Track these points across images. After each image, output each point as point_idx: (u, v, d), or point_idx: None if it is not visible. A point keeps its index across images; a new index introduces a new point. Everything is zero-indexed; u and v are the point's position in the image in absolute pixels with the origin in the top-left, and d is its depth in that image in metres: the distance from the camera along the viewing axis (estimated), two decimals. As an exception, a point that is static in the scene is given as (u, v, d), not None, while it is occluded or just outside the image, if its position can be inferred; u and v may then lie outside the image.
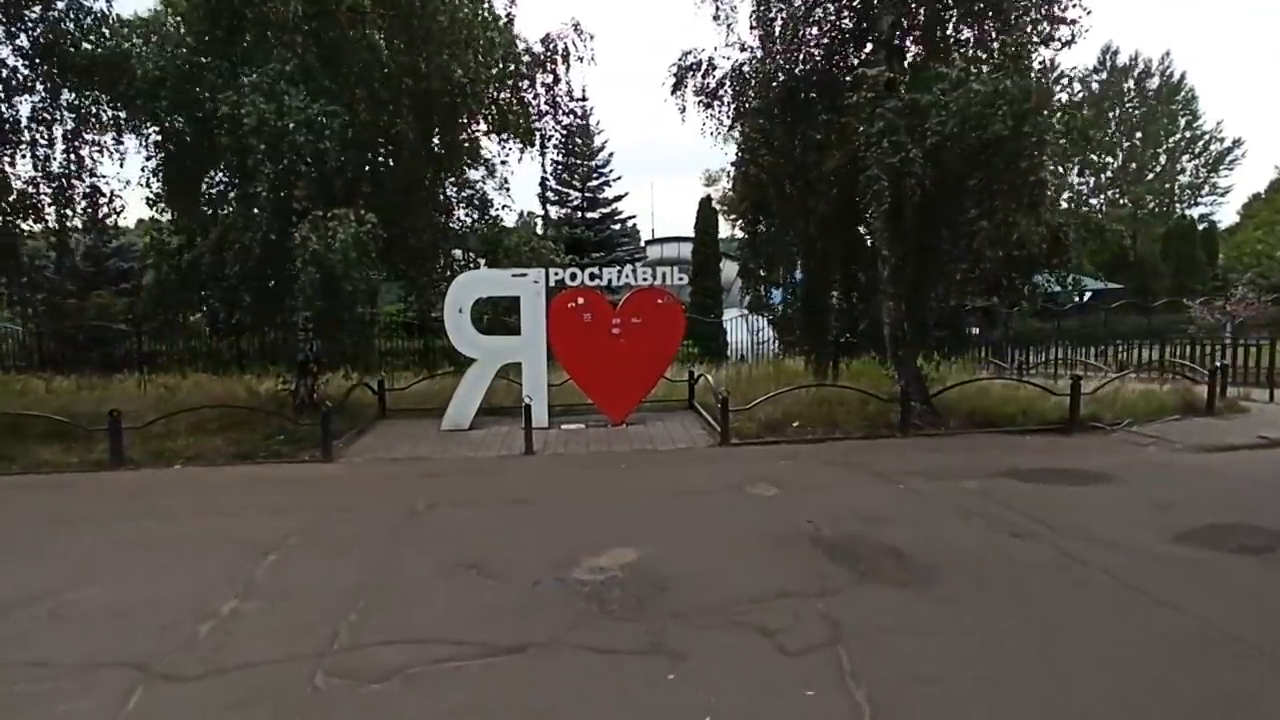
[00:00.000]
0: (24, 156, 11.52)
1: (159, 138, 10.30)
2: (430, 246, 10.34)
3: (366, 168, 10.10)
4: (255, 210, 8.84)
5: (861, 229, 11.02)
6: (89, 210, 11.80)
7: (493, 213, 11.52)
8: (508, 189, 12.86)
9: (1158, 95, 40.68)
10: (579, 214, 26.28)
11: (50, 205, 11.75)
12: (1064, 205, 10.61)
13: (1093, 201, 39.96)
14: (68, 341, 19.04)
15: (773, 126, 9.56)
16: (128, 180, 11.15)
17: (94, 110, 11.10)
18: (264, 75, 8.76)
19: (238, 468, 8.22)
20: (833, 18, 9.96)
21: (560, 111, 13.13)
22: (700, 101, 10.70)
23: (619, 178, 27.10)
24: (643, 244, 32.03)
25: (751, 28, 9.94)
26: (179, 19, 10.27)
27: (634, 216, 30.07)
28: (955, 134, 7.66)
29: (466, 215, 11.21)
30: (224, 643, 3.92)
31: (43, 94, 11.06)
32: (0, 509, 6.84)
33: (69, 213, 11.83)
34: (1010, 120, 7.40)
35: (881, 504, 6.24)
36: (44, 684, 3.49)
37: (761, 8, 9.68)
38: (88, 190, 11.62)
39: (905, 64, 9.73)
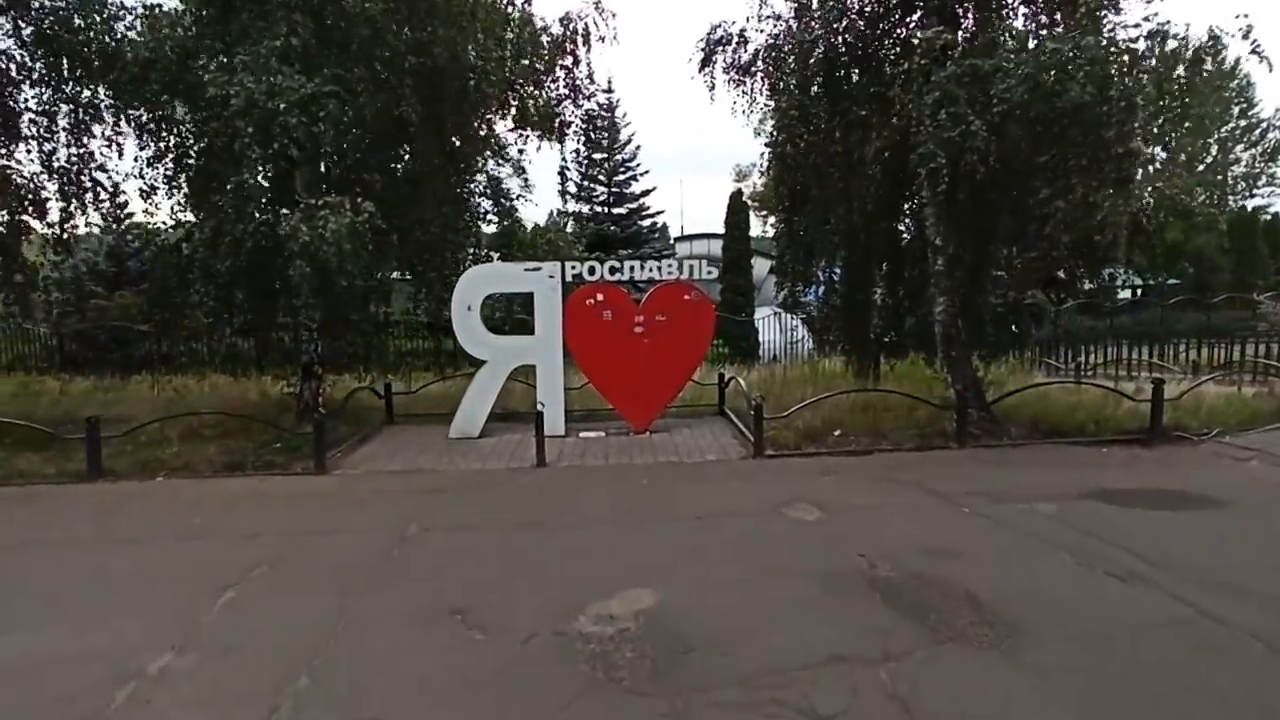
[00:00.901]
0: (28, 151, 11.12)
1: (152, 125, 9.70)
2: (439, 240, 9.58)
3: (369, 155, 9.36)
4: (248, 200, 8.13)
5: (907, 217, 10.04)
6: (97, 206, 11.35)
7: (506, 203, 10.73)
8: (525, 179, 12.13)
9: (1208, 82, 38.54)
10: (605, 209, 25.48)
11: (56, 200, 11.34)
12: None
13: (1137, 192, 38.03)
14: (89, 342, 18.85)
15: (812, 103, 8.60)
16: (129, 174, 10.55)
17: (95, 100, 10.62)
18: (255, 54, 8.08)
19: (224, 480, 7.54)
20: (877, -19, 8.99)
21: (581, 96, 12.36)
22: (730, 79, 9.80)
23: (646, 172, 26.27)
24: (671, 241, 31.13)
25: (786, -3, 9.02)
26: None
27: (662, 212, 29.08)
28: (1025, 102, 6.65)
29: (479, 206, 10.42)
30: (136, 718, 3.16)
31: (44, 84, 10.60)
32: (-43, 527, 6.23)
33: (74, 208, 11.39)
34: (1092, 84, 6.37)
35: (946, 533, 5.29)
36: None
37: (798, -28, 8.76)
38: (89, 184, 11.18)
39: (959, 33, 8.72)
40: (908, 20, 9.17)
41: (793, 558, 4.85)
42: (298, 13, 8.36)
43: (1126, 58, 6.52)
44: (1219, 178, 40.49)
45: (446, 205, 9.59)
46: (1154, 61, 7.05)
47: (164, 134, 10.32)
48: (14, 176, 11.08)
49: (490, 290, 9.26)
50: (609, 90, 24.45)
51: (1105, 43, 6.68)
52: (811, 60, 8.91)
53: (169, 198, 10.40)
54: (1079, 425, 8.59)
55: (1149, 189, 7.41)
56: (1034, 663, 3.44)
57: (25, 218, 11.52)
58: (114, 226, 12.84)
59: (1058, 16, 8.37)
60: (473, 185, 10.14)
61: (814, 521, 5.64)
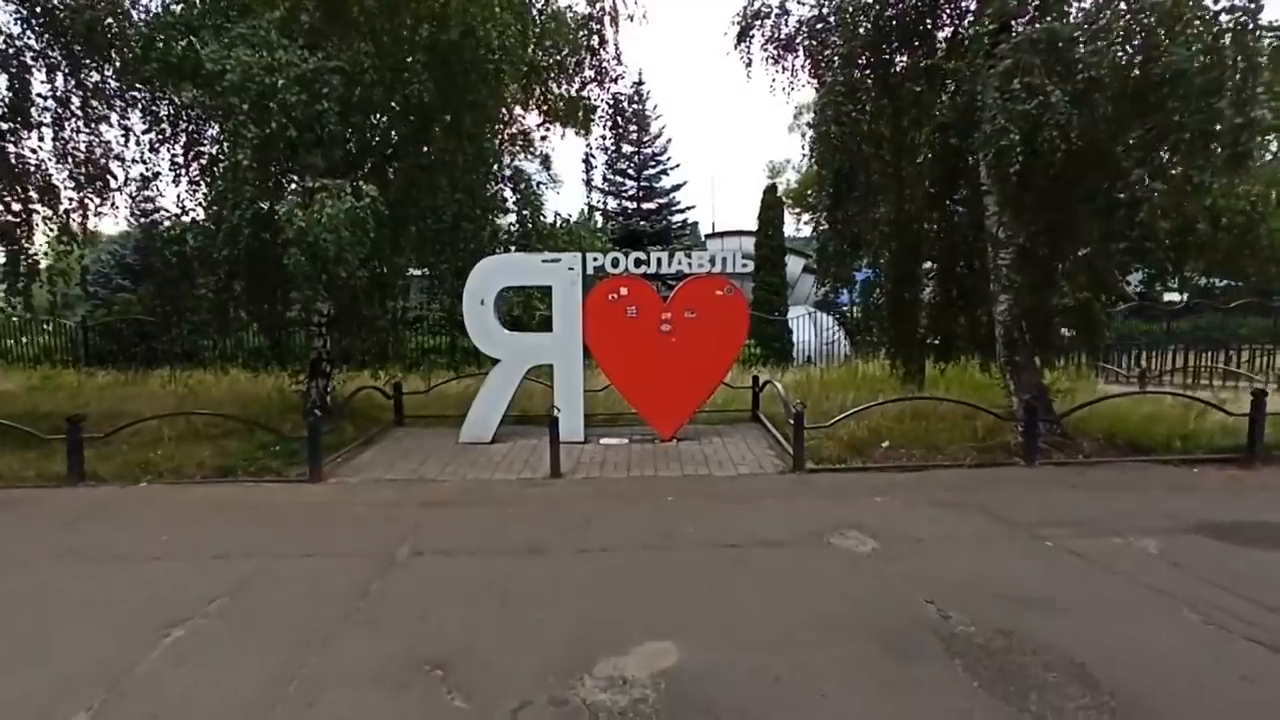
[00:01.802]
0: (40, 139, 10.70)
1: (154, 107, 9.18)
2: (453, 229, 8.88)
3: (377, 137, 8.71)
4: (243, 184, 7.52)
5: (960, 206, 9.09)
6: (105, 195, 10.91)
7: (528, 190, 9.99)
8: (549, 167, 11.45)
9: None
10: (634, 204, 24.70)
11: (66, 190, 10.91)
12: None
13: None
14: (114, 336, 18.67)
15: (859, 79, 7.72)
16: (134, 160, 10.05)
17: (103, 84, 10.16)
18: (254, 27, 7.47)
19: (210, 487, 6.94)
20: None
21: (607, 79, 11.62)
22: (769, 56, 8.97)
23: (676, 166, 25.49)
24: (702, 238, 30.25)
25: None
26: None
27: (692, 207, 28.25)
28: (1115, 67, 5.71)
29: (499, 194, 9.69)
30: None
31: (56, 69, 10.16)
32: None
33: (89, 198, 10.96)
34: (1200, 44, 5.42)
35: (1030, 574, 4.41)
36: None
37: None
38: (99, 172, 10.74)
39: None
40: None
41: (844, 604, 4.01)
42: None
43: (1240, 14, 5.52)
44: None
45: (461, 192, 8.89)
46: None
47: (173, 118, 9.86)
48: (25, 165, 10.70)
49: (505, 283, 8.53)
50: (640, 83, 23.76)
51: (1213, -4, 5.69)
52: (860, 31, 8.04)
53: (175, 185, 9.96)
54: (1161, 441, 7.60)
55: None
56: (1179, 772, 2.58)
57: (36, 207, 11.15)
58: (132, 218, 12.44)
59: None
60: (488, 171, 9.38)
61: (867, 555, 4.79)
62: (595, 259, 8.35)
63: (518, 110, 11.92)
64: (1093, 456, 7.42)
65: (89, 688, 3.25)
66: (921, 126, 7.82)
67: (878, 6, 7.92)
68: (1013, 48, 6.29)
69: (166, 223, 9.58)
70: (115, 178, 10.83)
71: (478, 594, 4.24)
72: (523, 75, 10.19)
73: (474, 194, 9.05)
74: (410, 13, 8.28)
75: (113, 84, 9.98)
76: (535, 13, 9.78)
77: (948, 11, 8.26)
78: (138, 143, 9.89)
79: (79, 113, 10.36)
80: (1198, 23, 5.44)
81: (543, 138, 11.70)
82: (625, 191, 24.86)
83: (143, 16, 9.27)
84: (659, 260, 8.40)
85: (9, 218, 10.68)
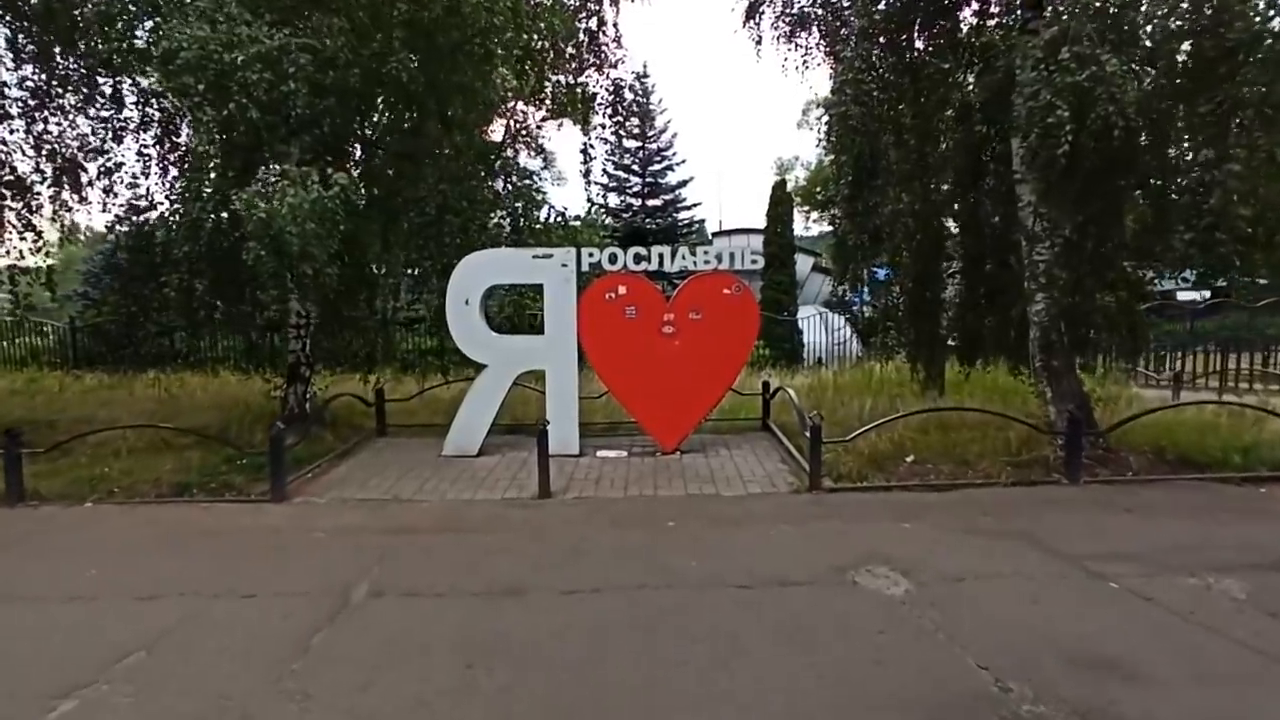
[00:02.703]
0: (11, 131, 10.08)
1: (116, 93, 8.54)
2: (435, 223, 8.20)
3: (352, 122, 8.02)
4: (201, 172, 6.86)
5: (987, 197, 8.36)
6: (79, 190, 10.29)
7: (521, 183, 9.31)
8: (544, 157, 10.76)
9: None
10: (638, 201, 23.99)
11: (43, 185, 10.29)
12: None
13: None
14: (102, 337, 18.11)
15: (880, 54, 7.00)
16: (88, 149, 9.42)
17: (67, 69, 9.53)
18: (216, 1, 6.80)
19: (161, 508, 6.26)
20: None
21: (607, 65, 10.93)
22: (781, 35, 8.26)
23: (682, 161, 24.75)
24: (709, 236, 29.53)
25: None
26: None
27: (699, 204, 27.54)
28: (1181, 34, 4.97)
29: (487, 184, 8.99)
30: None
31: (23, 58, 9.53)
32: None
33: (68, 193, 10.34)
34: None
35: (1097, 627, 3.68)
36: None
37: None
38: (65, 164, 10.11)
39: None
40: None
41: (879, 672, 3.29)
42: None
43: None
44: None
45: (446, 183, 8.20)
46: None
47: (141, 105, 9.24)
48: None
49: (493, 281, 7.85)
50: (644, 75, 23.00)
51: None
52: (880, 4, 7.32)
53: (146, 177, 9.31)
54: (1217, 455, 6.83)
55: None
56: None
57: (10, 203, 10.52)
58: (104, 213, 11.82)
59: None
60: (477, 160, 8.68)
61: (900, 599, 4.07)
62: (591, 254, 7.65)
63: (518, 105, 11.31)
64: (1141, 473, 6.68)
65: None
66: (947, 108, 7.09)
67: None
68: (1060, 13, 5.55)
69: (134, 217, 8.92)
70: (86, 170, 10.25)
71: (438, 653, 3.54)
72: (515, 59, 9.51)
73: (460, 185, 8.36)
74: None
75: (79, 70, 9.37)
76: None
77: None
78: (106, 133, 9.28)
79: (46, 101, 9.76)
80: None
81: (538, 126, 11.01)
82: (629, 187, 24.16)
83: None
84: (661, 256, 7.68)
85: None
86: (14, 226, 10.50)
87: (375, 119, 8.37)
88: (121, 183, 9.02)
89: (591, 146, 10.94)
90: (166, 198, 8.49)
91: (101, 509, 6.24)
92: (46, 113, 9.82)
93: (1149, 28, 5.15)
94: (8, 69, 9.37)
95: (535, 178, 10.10)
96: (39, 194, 10.26)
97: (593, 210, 23.10)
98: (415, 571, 4.66)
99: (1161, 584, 4.17)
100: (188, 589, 4.39)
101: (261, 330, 9.72)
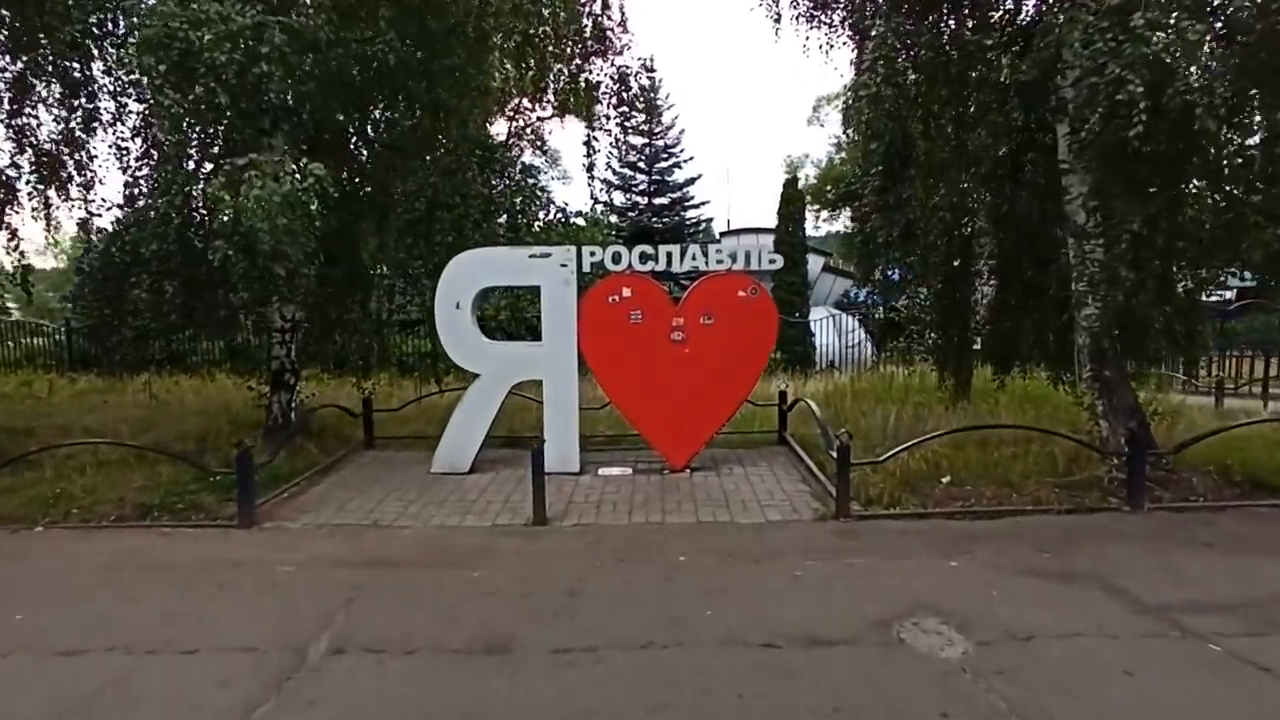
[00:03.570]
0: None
1: (84, 81, 7.94)
2: (425, 220, 7.56)
3: (336, 109, 7.37)
4: (164, 163, 6.25)
5: (1024, 188, 7.66)
6: (62, 187, 9.71)
7: (517, 176, 8.67)
8: (543, 150, 10.13)
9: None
10: (645, 199, 23.33)
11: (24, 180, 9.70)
12: None
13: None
14: (96, 338, 17.63)
15: (915, 28, 6.31)
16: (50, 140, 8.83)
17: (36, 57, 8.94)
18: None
19: (118, 534, 5.64)
20: None
21: (611, 51, 10.28)
22: (802, 14, 7.59)
23: (690, 159, 24.06)
24: (718, 236, 28.85)
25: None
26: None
27: (707, 202, 26.87)
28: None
29: (481, 178, 8.34)
30: None
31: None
32: None
33: (53, 191, 9.76)
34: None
35: (1211, 708, 3.00)
36: None
37: None
38: (43, 160, 9.53)
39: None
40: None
41: (950, 772, 2.62)
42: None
43: None
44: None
45: (438, 176, 7.56)
46: None
47: (116, 94, 8.64)
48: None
49: (486, 283, 7.18)
50: (651, 69, 22.33)
51: None
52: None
53: (123, 172, 8.71)
54: (1293, 475, 6.13)
55: None
56: None
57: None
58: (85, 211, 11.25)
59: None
60: (471, 151, 8.03)
61: (959, 664, 3.39)
62: (593, 253, 6.97)
63: (522, 102, 10.70)
64: (1209, 497, 5.96)
65: None
66: (987, 88, 6.40)
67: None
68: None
69: (102, 214, 8.35)
70: (64, 165, 9.67)
71: (399, 738, 2.89)
72: (514, 45, 8.88)
73: (453, 178, 7.71)
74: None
75: (50, 59, 8.78)
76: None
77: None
78: (78, 125, 8.69)
79: (22, 93, 9.18)
80: None
81: (539, 121, 10.39)
82: (635, 185, 23.50)
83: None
84: (669, 255, 7.00)
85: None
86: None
87: (362, 107, 7.72)
88: (97, 178, 8.40)
89: (595, 139, 10.28)
90: (139, 193, 7.87)
91: (52, 534, 5.64)
92: (26, 104, 9.26)
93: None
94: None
95: (534, 171, 9.49)
96: (20, 190, 9.68)
97: (595, 207, 22.44)
98: (386, 619, 4.01)
99: (1275, 647, 3.47)
100: (119, 641, 3.76)
101: (244, 333, 9.11)
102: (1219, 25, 4.66)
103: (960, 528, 5.39)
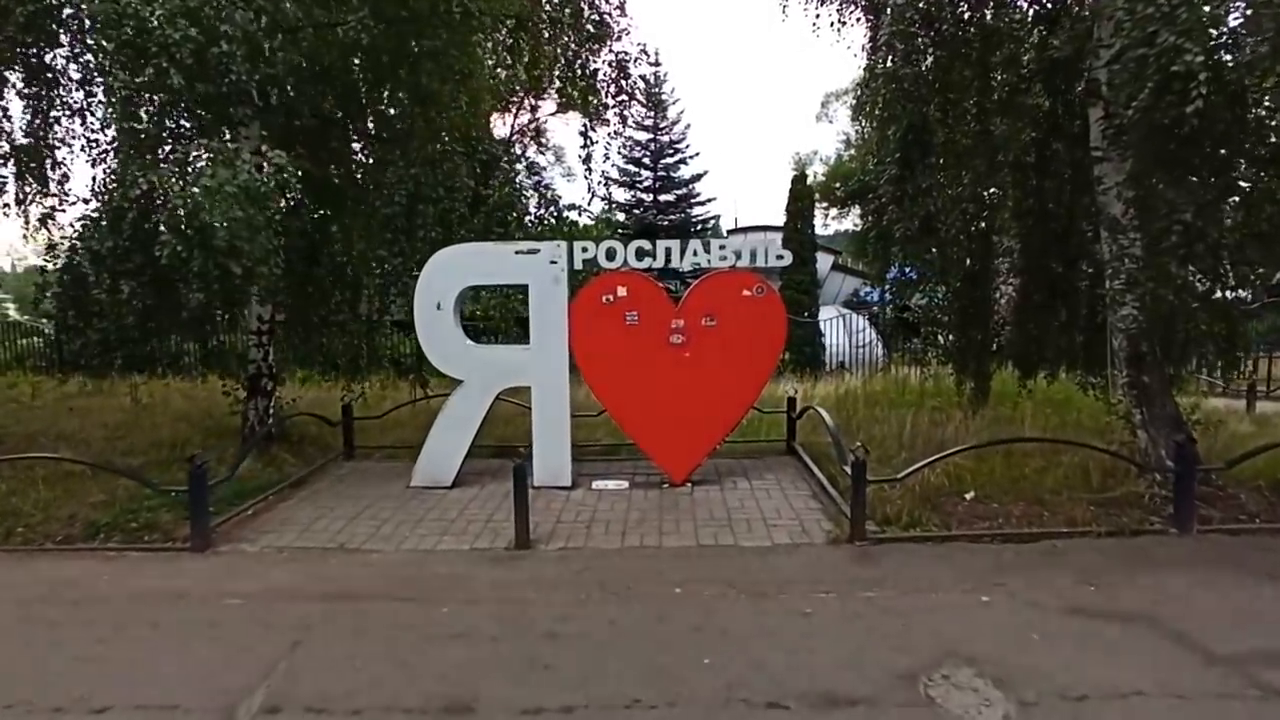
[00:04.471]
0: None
1: (44, 69, 7.45)
2: (406, 213, 7.05)
3: (308, 94, 6.85)
4: (118, 152, 5.76)
5: (1048, 178, 7.10)
6: (44, 183, 9.25)
7: (521, 171, 8.15)
8: (540, 143, 9.60)
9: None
10: (650, 195, 22.78)
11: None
12: None
13: None
14: (89, 339, 17.25)
15: (937, 1, 5.74)
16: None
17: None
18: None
19: (58, 559, 5.14)
20: None
21: (610, 38, 9.74)
22: (811, -8, 7.04)
23: (696, 155, 23.47)
24: (724, 234, 28.28)
25: None
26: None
27: (713, 199, 26.25)
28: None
29: (466, 170, 7.81)
30: None
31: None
32: None
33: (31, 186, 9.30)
34: None
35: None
36: None
37: None
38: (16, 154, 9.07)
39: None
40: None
41: None
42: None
43: None
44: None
45: (418, 167, 7.05)
46: None
47: (83, 84, 8.16)
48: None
49: (470, 282, 6.66)
50: (656, 63, 21.79)
51: None
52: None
53: (93, 166, 8.24)
54: (1352, 492, 5.55)
55: None
56: None
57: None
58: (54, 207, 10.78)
59: None
60: (455, 142, 7.50)
61: (1004, 736, 2.84)
62: (585, 249, 6.43)
63: (525, 100, 10.19)
64: (1263, 518, 5.38)
65: None
66: (1015, 67, 5.84)
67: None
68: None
69: (70, 209, 7.87)
70: (37, 157, 9.19)
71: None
72: (506, 30, 8.37)
73: (436, 169, 7.19)
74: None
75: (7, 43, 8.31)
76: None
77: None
78: (39, 116, 8.22)
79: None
80: None
81: (533, 108, 9.86)
82: (640, 182, 22.94)
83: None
84: (668, 251, 6.45)
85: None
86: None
87: (341, 93, 7.19)
88: (64, 171, 7.93)
89: (593, 130, 9.73)
90: (100, 187, 7.39)
91: (-15, 560, 5.14)
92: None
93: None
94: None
95: (537, 169, 8.97)
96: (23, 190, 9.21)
97: (601, 205, 21.88)
98: (335, 668, 3.48)
99: (1378, 714, 2.91)
100: (21, 697, 3.25)
101: (215, 335, 8.61)
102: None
103: (989, 554, 4.83)
